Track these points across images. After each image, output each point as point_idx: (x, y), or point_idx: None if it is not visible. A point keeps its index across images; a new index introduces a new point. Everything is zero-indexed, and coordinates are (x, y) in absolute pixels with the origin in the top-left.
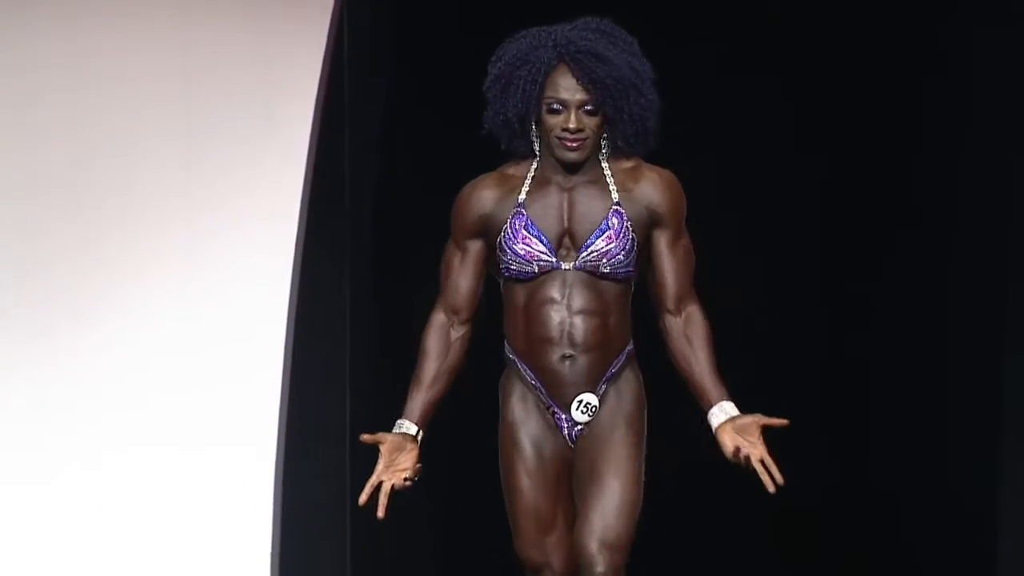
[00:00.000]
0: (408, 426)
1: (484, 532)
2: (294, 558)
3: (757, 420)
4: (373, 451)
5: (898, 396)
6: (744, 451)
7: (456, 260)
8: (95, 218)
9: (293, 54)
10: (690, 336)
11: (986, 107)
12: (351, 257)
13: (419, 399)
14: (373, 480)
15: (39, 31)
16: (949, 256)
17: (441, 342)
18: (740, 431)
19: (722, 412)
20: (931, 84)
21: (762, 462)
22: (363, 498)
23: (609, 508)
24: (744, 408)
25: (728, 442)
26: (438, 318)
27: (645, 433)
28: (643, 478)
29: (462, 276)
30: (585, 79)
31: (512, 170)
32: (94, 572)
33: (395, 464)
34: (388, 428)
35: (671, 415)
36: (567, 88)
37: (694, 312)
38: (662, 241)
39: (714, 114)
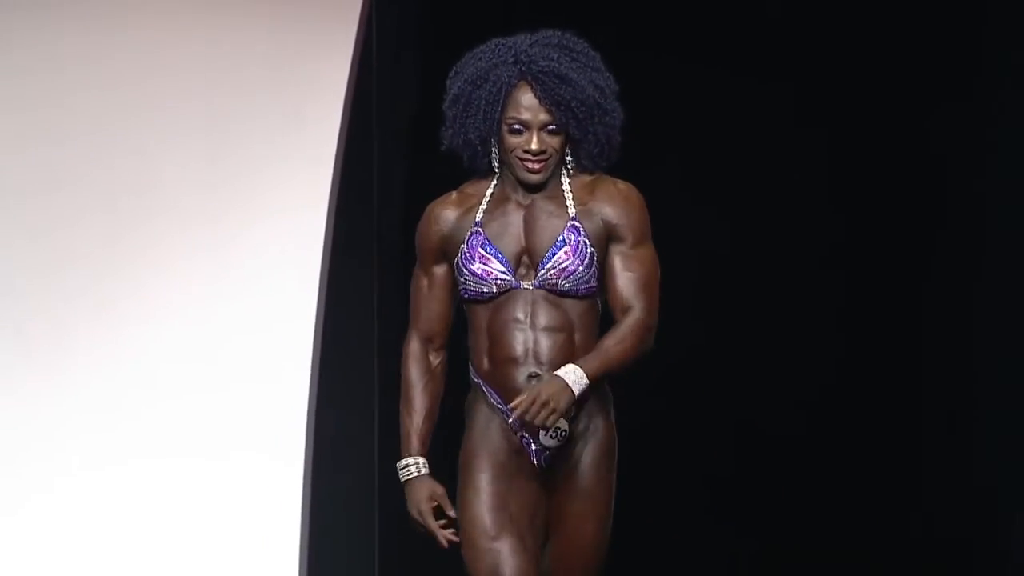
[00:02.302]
0: (422, 465)
1: None
2: (323, 561)
3: (532, 393)
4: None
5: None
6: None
7: (424, 286)
8: (119, 217)
9: (321, 50)
10: (614, 329)
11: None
12: (379, 254)
13: (420, 432)
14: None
15: (62, 29)
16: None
17: (423, 371)
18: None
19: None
20: (937, 83)
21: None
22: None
23: (577, 547)
24: (754, 415)
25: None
26: (414, 347)
27: (616, 459)
28: (612, 512)
29: (432, 302)
30: (548, 100)
31: (471, 189)
32: None
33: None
34: None
35: (645, 437)
36: (529, 108)
37: (630, 314)
38: (616, 254)
39: (722, 117)
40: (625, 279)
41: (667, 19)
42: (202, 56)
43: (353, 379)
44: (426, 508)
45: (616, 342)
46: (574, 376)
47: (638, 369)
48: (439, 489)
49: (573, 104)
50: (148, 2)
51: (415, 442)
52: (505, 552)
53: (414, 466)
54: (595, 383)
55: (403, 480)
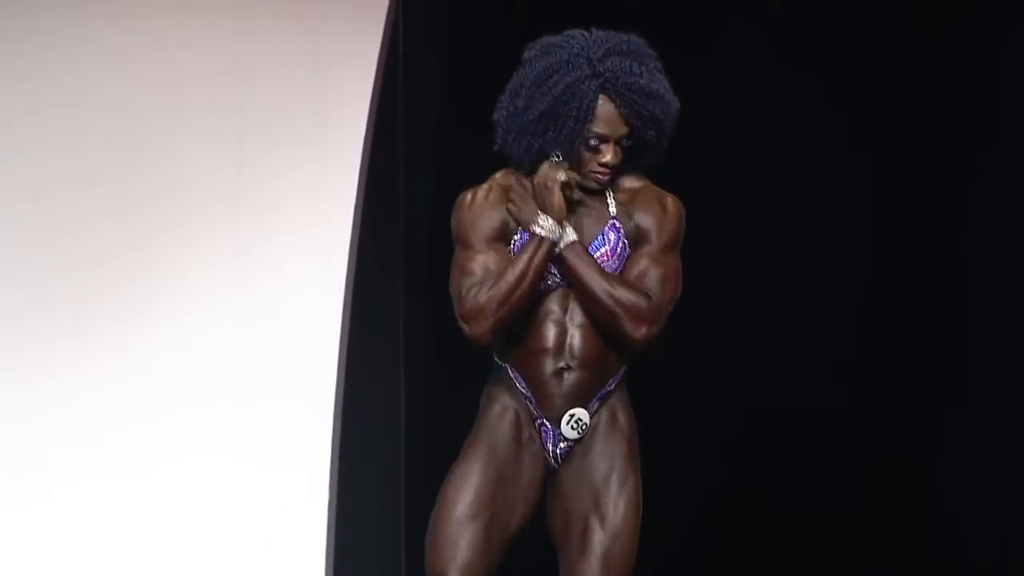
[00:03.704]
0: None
1: (540, 541)
2: (349, 568)
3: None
4: (427, 450)
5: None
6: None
7: (482, 261)
8: (145, 220)
9: (347, 55)
10: None
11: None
12: (405, 259)
13: None
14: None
15: (91, 31)
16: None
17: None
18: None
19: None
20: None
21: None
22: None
23: (611, 543)
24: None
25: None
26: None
27: (638, 450)
28: (641, 509)
29: (498, 270)
30: (632, 115)
31: (511, 182)
32: None
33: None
34: (442, 433)
35: (661, 439)
36: (609, 122)
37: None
38: (640, 255)
39: (762, 116)
40: (646, 273)
41: (688, 20)
42: (228, 60)
43: (379, 378)
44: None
45: (613, 278)
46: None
47: (646, 362)
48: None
49: (661, 118)
50: (174, 5)
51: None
52: (462, 544)
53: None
54: (566, 260)
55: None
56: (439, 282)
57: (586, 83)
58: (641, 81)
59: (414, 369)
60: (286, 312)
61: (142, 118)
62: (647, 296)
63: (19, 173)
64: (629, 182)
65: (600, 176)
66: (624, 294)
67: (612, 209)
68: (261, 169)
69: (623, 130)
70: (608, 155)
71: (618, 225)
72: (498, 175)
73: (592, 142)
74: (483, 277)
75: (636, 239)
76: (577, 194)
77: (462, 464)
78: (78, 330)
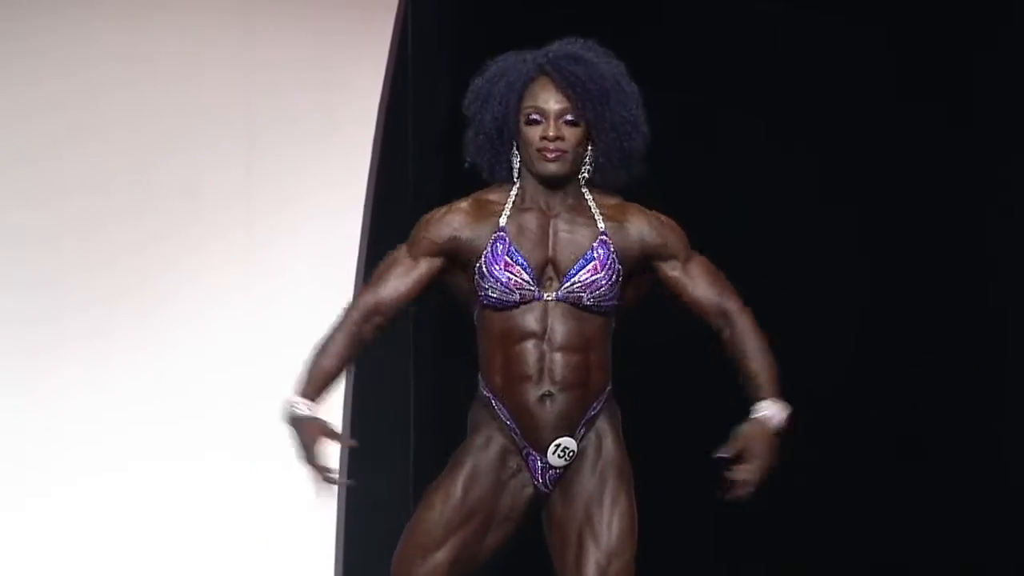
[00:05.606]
0: (313, 407)
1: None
2: (358, 567)
3: (762, 460)
4: (438, 453)
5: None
6: (737, 469)
7: (402, 267)
8: (156, 220)
9: (356, 55)
10: (739, 342)
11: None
12: None
13: (319, 382)
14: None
15: (100, 31)
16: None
17: (353, 335)
18: (751, 441)
19: (764, 408)
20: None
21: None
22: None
23: (607, 563)
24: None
25: (738, 442)
26: (355, 315)
27: (631, 472)
28: (636, 527)
29: (402, 283)
30: (564, 84)
31: (491, 196)
32: None
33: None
34: (450, 428)
35: (650, 456)
36: (546, 97)
37: (738, 321)
38: (672, 269)
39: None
40: (702, 286)
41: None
42: (238, 61)
43: (389, 379)
44: (314, 446)
45: (763, 351)
46: (777, 413)
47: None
48: (327, 425)
49: (589, 85)
50: (184, 6)
51: (311, 388)
52: (427, 567)
53: (303, 407)
54: None
55: (289, 417)
56: None
57: (522, 65)
58: (572, 49)
59: (424, 368)
60: (295, 312)
61: (151, 119)
62: (739, 308)
63: (27, 176)
64: (608, 199)
65: (547, 153)
66: (760, 335)
67: (600, 224)
68: (271, 169)
69: (560, 104)
70: (550, 129)
71: (608, 241)
72: (481, 192)
73: (533, 116)
74: (387, 278)
75: (644, 255)
76: (565, 214)
77: (441, 489)
78: (88, 332)
